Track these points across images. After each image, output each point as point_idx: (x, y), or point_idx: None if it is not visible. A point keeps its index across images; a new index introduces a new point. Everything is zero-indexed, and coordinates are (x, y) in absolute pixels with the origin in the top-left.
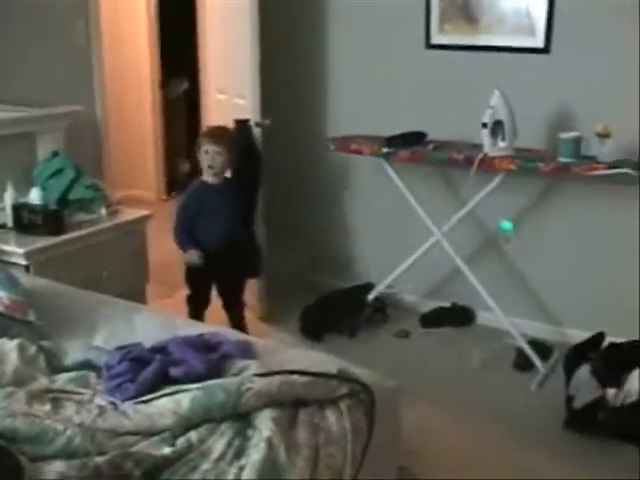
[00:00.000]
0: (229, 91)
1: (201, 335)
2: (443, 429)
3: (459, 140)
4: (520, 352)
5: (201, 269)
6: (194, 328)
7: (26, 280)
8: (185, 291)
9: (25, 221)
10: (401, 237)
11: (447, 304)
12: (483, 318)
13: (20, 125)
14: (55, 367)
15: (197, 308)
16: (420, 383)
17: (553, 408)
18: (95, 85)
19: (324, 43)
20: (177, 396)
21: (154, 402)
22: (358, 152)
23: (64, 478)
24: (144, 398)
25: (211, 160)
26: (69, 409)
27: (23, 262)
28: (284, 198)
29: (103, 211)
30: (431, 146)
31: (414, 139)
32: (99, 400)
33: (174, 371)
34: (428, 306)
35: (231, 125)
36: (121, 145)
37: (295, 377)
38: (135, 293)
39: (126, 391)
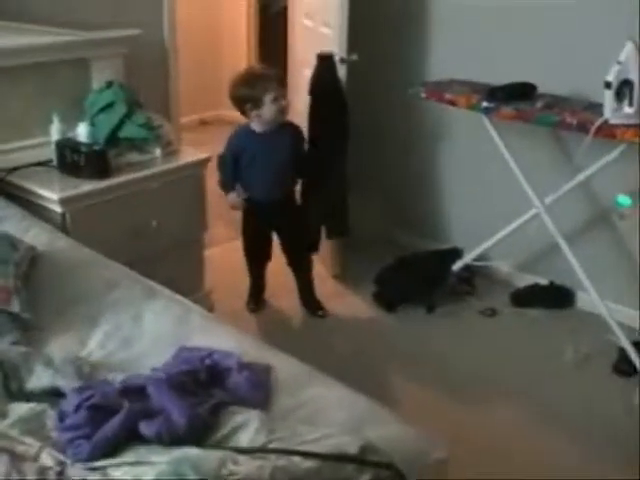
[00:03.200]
0: (315, 17)
1: (209, 354)
2: (516, 435)
3: (575, 96)
4: (623, 352)
5: (255, 219)
6: (210, 332)
7: (43, 238)
8: None
9: (68, 160)
10: (497, 202)
11: (544, 281)
12: (585, 302)
13: (70, 50)
14: (13, 392)
15: (254, 262)
16: (500, 374)
17: None
18: (164, 4)
19: None
20: (139, 469)
21: (111, 472)
22: (452, 103)
23: None
24: (98, 464)
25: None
26: None
27: (58, 210)
28: (367, 147)
29: (158, 152)
30: (540, 104)
31: (521, 92)
32: (46, 457)
33: (145, 428)
34: (522, 281)
35: (313, 56)
36: (212, 62)
37: (297, 459)
38: (189, 243)
39: (79, 450)
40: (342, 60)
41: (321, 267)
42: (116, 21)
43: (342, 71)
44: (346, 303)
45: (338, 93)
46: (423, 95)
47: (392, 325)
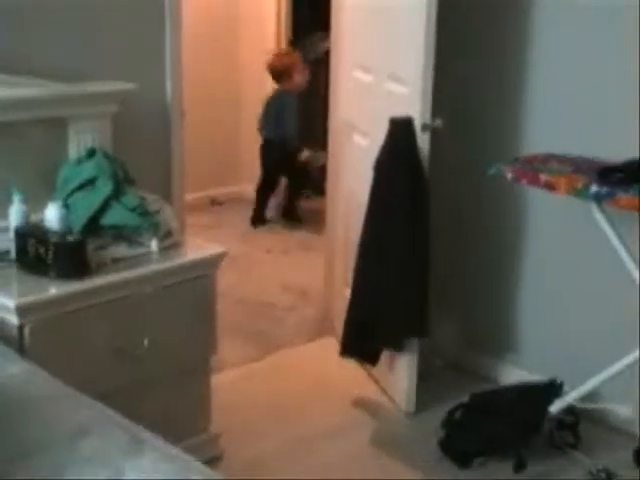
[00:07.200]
0: (379, 70)
1: None
2: None
3: None
4: None
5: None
6: None
7: None
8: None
9: (31, 254)
10: (612, 319)
11: None
12: None
13: (41, 107)
14: None
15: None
16: None
17: None
18: (167, 53)
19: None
20: None
21: None
22: (550, 187)
23: None
24: None
25: None
26: None
27: (14, 321)
28: (437, 242)
29: (154, 244)
30: None
31: None
32: None
33: None
34: None
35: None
36: (228, 125)
37: None
38: (192, 369)
39: None
40: (425, 127)
41: (388, 402)
42: (103, 71)
43: (424, 142)
44: (409, 450)
45: (418, 170)
46: (509, 176)
47: None
